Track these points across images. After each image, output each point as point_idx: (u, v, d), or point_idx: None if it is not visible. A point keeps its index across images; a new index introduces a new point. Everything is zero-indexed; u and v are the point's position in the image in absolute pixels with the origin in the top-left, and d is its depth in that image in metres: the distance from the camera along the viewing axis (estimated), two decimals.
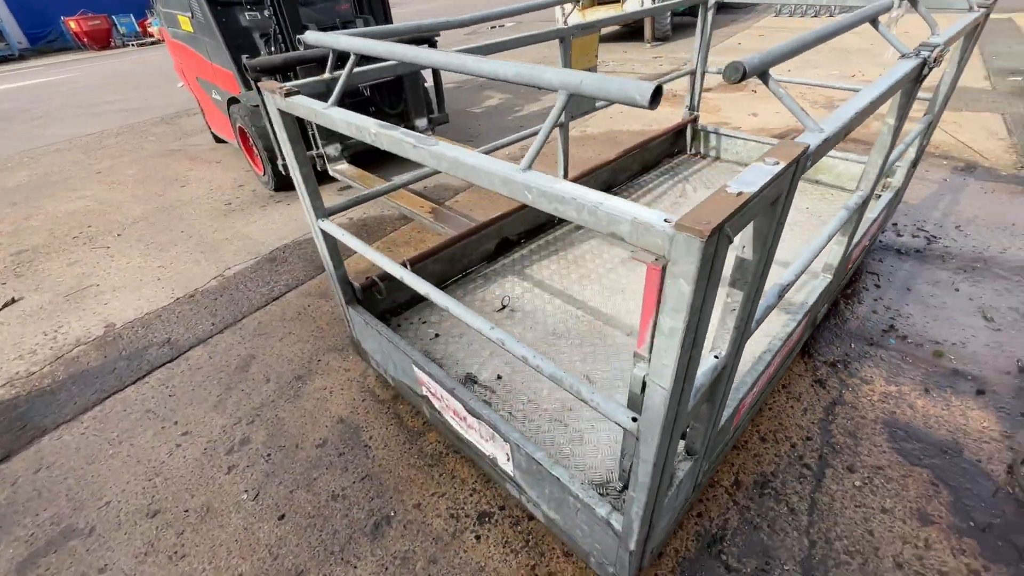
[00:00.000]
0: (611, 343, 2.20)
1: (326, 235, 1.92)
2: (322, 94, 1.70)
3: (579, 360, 2.13)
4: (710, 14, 3.35)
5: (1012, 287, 2.73)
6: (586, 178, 3.12)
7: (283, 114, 1.61)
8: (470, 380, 2.07)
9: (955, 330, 2.49)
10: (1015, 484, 1.84)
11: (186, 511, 1.96)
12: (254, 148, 4.55)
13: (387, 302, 2.34)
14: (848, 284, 2.85)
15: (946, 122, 4.80)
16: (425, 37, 4.28)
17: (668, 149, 3.82)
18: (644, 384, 1.10)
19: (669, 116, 5.61)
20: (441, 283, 2.59)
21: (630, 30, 10.37)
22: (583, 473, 1.68)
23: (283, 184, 4.55)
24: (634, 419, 1.03)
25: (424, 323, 2.40)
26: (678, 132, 3.78)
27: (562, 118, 2.73)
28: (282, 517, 1.91)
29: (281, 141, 1.70)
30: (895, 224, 3.37)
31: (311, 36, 1.54)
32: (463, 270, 2.70)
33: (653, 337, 1.03)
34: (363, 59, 1.48)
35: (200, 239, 3.96)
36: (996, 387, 2.19)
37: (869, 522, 1.75)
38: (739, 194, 0.76)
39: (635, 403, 1.18)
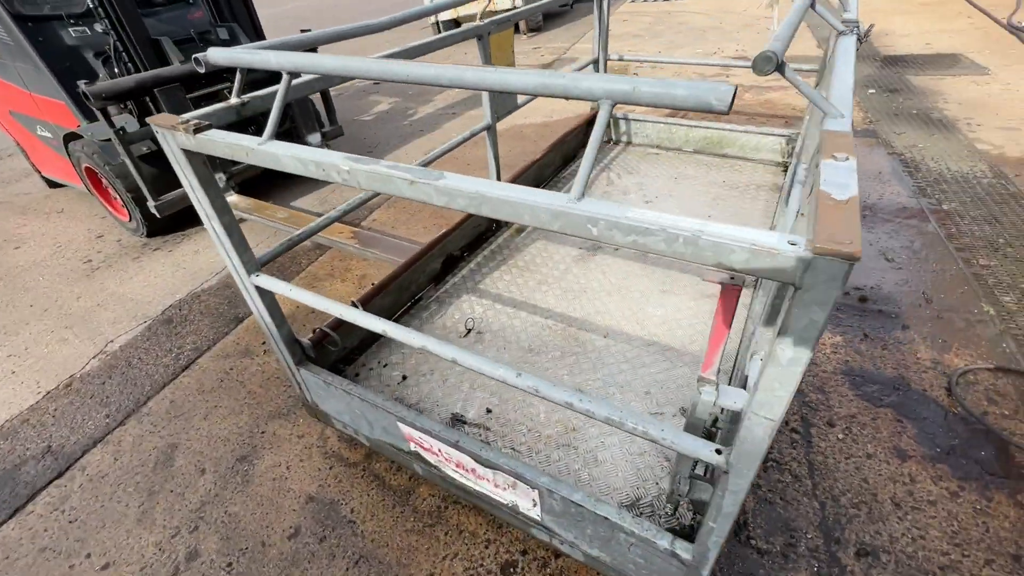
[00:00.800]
0: (591, 349, 2.13)
1: (262, 292, 1.59)
2: (232, 124, 1.39)
3: (566, 374, 2.02)
4: (606, 3, 3.39)
5: (898, 228, 3.13)
6: (519, 179, 3.00)
7: (190, 155, 1.27)
8: (458, 420, 1.87)
9: (869, 275, 2.78)
10: (957, 403, 2.08)
11: None
12: (110, 190, 3.80)
13: (338, 351, 2.04)
14: None
15: None
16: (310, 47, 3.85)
17: (583, 139, 3.83)
18: (704, 408, 1.01)
19: (567, 106, 5.69)
20: (392, 316, 2.33)
21: None
22: (610, 497, 1.58)
23: (158, 228, 3.86)
24: (718, 451, 0.93)
25: (386, 366, 2.13)
26: (589, 121, 3.81)
27: (489, 120, 2.57)
28: None
29: (191, 188, 1.35)
30: None
31: (218, 54, 1.22)
32: (412, 297, 2.45)
33: (721, 360, 0.94)
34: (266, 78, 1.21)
35: (61, 311, 3.21)
36: (914, 320, 2.47)
37: (861, 470, 1.87)
38: (848, 200, 0.68)
39: (695, 427, 1.09)
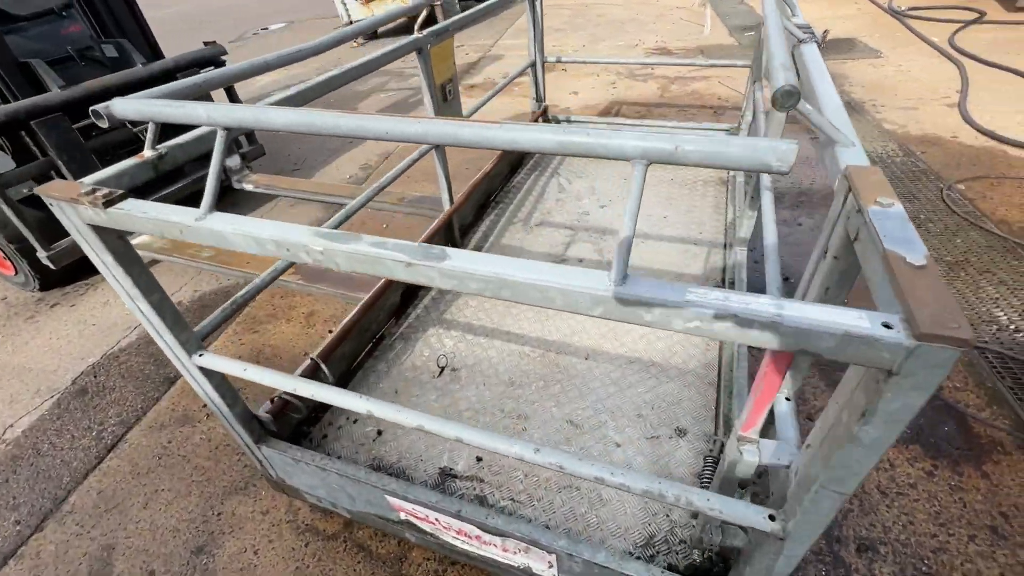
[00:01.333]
0: (575, 374, 2.04)
1: (209, 373, 1.35)
2: (150, 183, 1.15)
3: (554, 406, 1.93)
4: (538, 5, 3.30)
5: None
6: (472, 194, 2.85)
7: (103, 232, 1.03)
8: (448, 475, 1.72)
9: None
10: None
11: None
12: None
13: (301, 415, 1.81)
14: None
15: (723, 78, 5.63)
16: (211, 59, 3.46)
17: None
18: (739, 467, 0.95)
19: (508, 108, 5.57)
20: (354, 363, 2.12)
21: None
22: (623, 540, 1.50)
23: (54, 280, 3.33)
24: (771, 517, 0.87)
25: (355, 421, 1.93)
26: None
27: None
28: None
29: (105, 267, 1.10)
30: None
31: (125, 106, 0.98)
32: (374, 337, 2.25)
33: (770, 420, 0.87)
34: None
35: None
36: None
37: None
38: (927, 264, 0.61)
39: (729, 484, 1.02)
